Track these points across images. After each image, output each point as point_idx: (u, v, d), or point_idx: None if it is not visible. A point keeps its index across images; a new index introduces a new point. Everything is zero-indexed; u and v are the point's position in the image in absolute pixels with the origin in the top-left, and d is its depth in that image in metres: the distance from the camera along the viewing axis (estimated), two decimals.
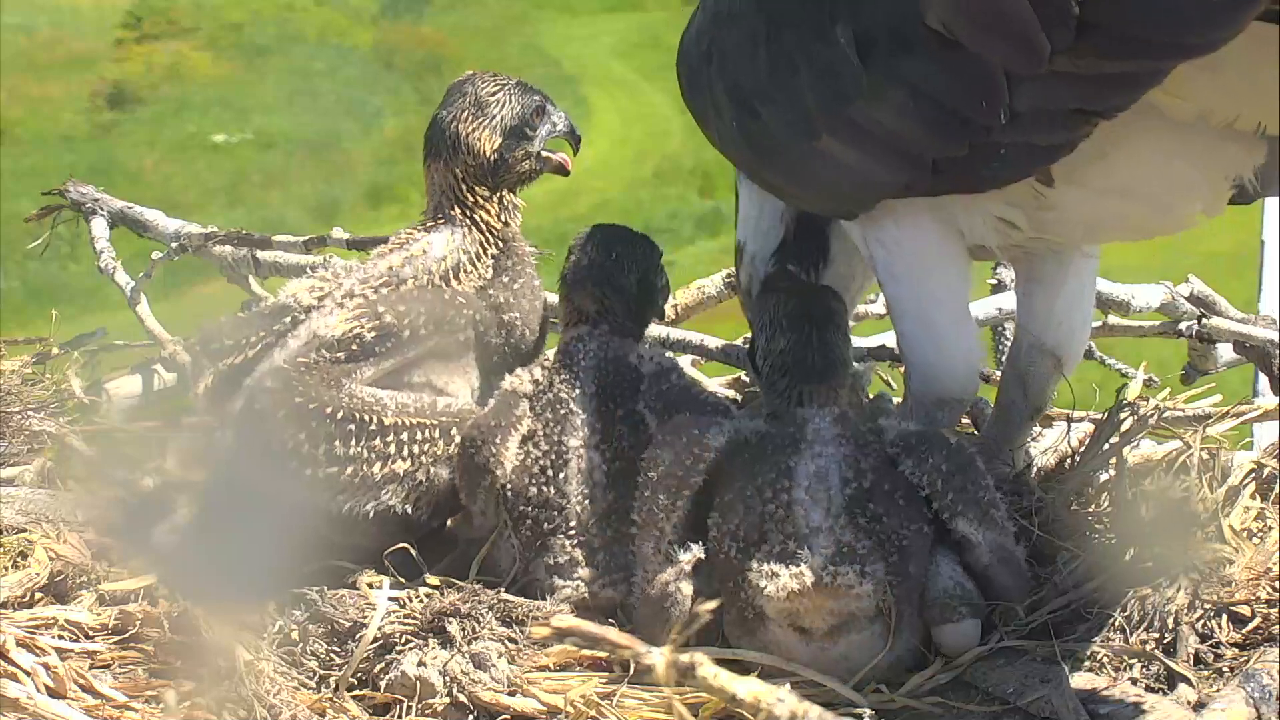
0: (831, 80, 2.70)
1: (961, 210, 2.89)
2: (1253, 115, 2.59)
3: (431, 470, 2.93)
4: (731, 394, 3.70)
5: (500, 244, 3.15)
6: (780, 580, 2.53)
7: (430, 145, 3.17)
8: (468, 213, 3.13)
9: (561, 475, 2.86)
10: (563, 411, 2.90)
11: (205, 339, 3.03)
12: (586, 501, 2.85)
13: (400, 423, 2.90)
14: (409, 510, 2.92)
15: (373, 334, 2.93)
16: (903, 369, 3.10)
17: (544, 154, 3.19)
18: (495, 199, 3.15)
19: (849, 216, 2.97)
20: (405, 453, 2.90)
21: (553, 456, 2.87)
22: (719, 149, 3.13)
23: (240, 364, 2.97)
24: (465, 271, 3.11)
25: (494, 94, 3.14)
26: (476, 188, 3.13)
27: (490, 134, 3.12)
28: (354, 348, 2.92)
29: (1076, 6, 2.40)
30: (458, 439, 2.94)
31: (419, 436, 2.91)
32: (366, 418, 2.87)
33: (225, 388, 2.96)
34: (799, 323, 2.83)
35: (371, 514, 2.89)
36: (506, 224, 3.16)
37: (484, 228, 3.13)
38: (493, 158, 3.12)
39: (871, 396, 3.66)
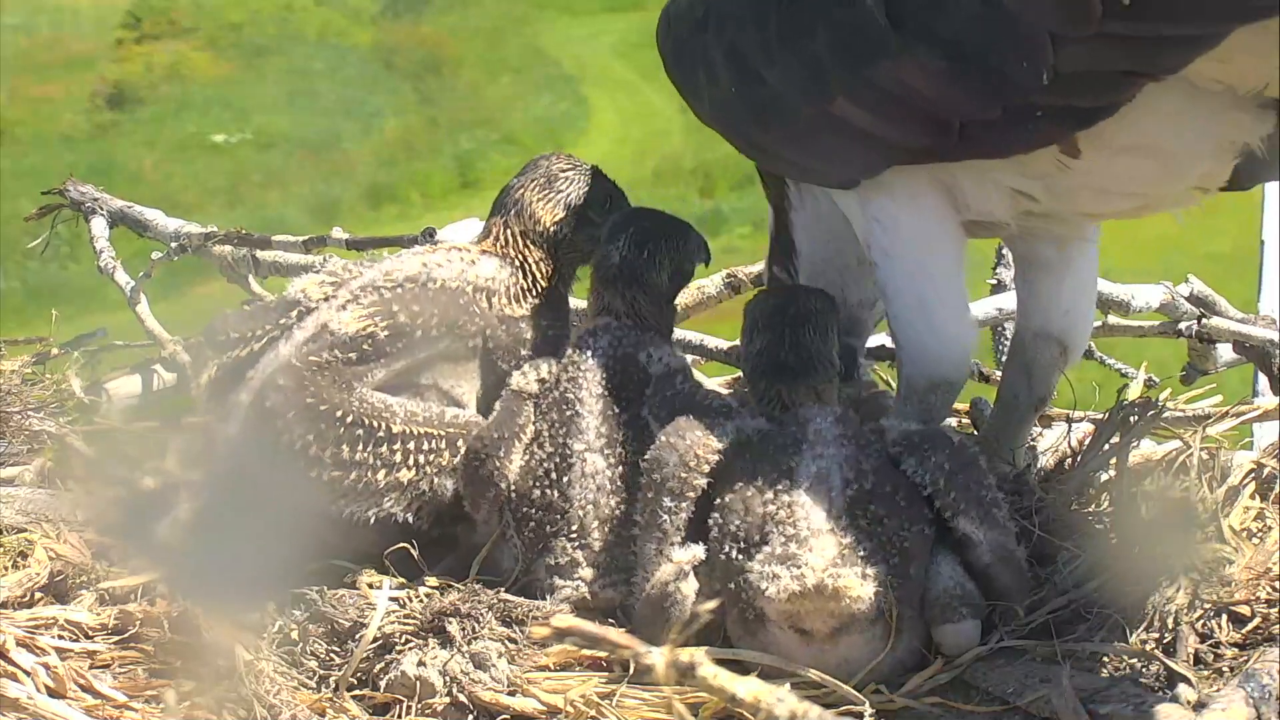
0: (853, 41, 2.65)
1: (971, 181, 2.86)
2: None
3: (435, 480, 2.93)
4: (729, 394, 3.70)
5: (543, 297, 3.16)
6: (781, 582, 2.52)
7: (495, 205, 3.22)
8: (521, 261, 3.16)
9: (565, 479, 2.85)
10: (568, 413, 2.89)
11: (210, 331, 3.03)
12: (590, 506, 2.85)
13: (408, 431, 2.89)
14: (410, 519, 2.91)
15: (386, 333, 2.93)
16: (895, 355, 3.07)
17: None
18: (551, 264, 3.17)
19: (849, 185, 2.92)
20: (410, 461, 2.89)
21: (557, 460, 2.87)
22: (708, 120, 3.07)
23: (245, 357, 2.97)
24: (499, 299, 3.11)
25: (564, 172, 3.21)
26: (533, 249, 3.16)
27: (553, 207, 3.17)
28: (366, 347, 2.91)
29: None
30: (463, 450, 2.94)
31: (425, 446, 2.91)
32: (375, 424, 2.87)
33: (228, 380, 2.96)
34: (773, 323, 2.84)
35: (372, 520, 2.89)
36: (558, 289, 3.18)
37: (532, 279, 3.15)
38: (552, 229, 3.17)
39: (872, 391, 3.65)
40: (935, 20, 2.57)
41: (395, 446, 2.88)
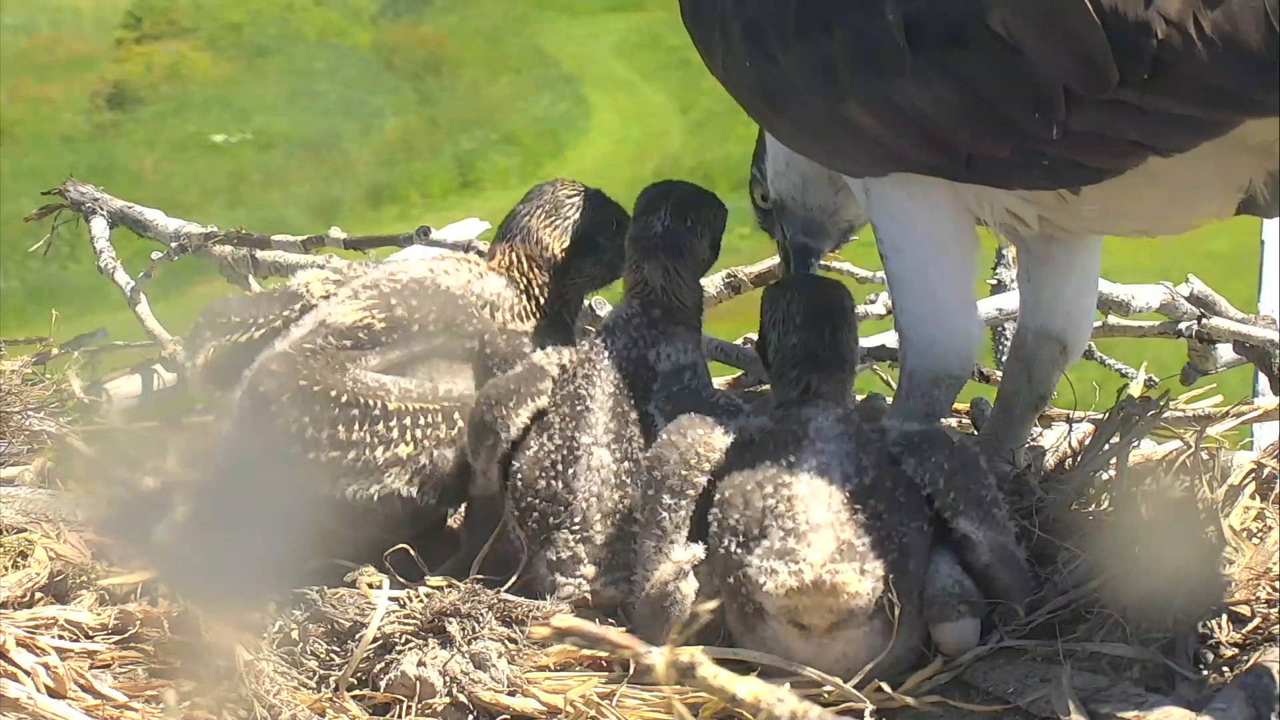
0: (870, 52, 2.65)
1: (971, 196, 2.86)
2: None
3: (435, 453, 2.93)
4: (732, 394, 3.70)
5: (547, 320, 3.17)
6: (779, 577, 2.52)
7: (501, 231, 3.24)
8: (526, 284, 3.17)
9: (571, 471, 2.86)
10: (579, 408, 2.90)
11: (210, 312, 3.04)
12: (594, 499, 2.85)
13: (403, 408, 2.90)
14: (414, 493, 2.92)
15: (382, 324, 2.95)
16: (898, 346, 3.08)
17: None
18: (557, 289, 3.19)
19: (855, 175, 2.94)
20: (408, 437, 2.90)
21: (564, 451, 2.87)
22: (721, 80, 3.05)
23: (244, 343, 2.97)
24: (502, 314, 3.13)
25: (570, 198, 3.22)
26: (539, 273, 3.18)
27: (560, 234, 3.19)
28: (361, 335, 2.93)
29: (1155, 44, 2.37)
30: (460, 423, 2.95)
31: (422, 421, 2.92)
32: (370, 402, 2.88)
33: (225, 368, 2.97)
34: (811, 321, 2.85)
35: (375, 498, 2.89)
36: (562, 315, 3.20)
37: (537, 303, 3.17)
38: (560, 256, 3.18)
39: (865, 396, 3.66)
40: (953, 53, 2.56)
41: (392, 423, 2.89)
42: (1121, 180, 2.65)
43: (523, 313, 3.15)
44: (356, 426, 2.86)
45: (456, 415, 2.95)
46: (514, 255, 3.18)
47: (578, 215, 3.21)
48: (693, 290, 3.06)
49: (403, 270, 3.08)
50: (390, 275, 3.06)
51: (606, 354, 2.96)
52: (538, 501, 2.86)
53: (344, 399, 2.86)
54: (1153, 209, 2.86)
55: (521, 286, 3.16)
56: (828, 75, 2.72)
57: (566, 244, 3.19)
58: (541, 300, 3.17)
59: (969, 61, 2.55)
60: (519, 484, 2.88)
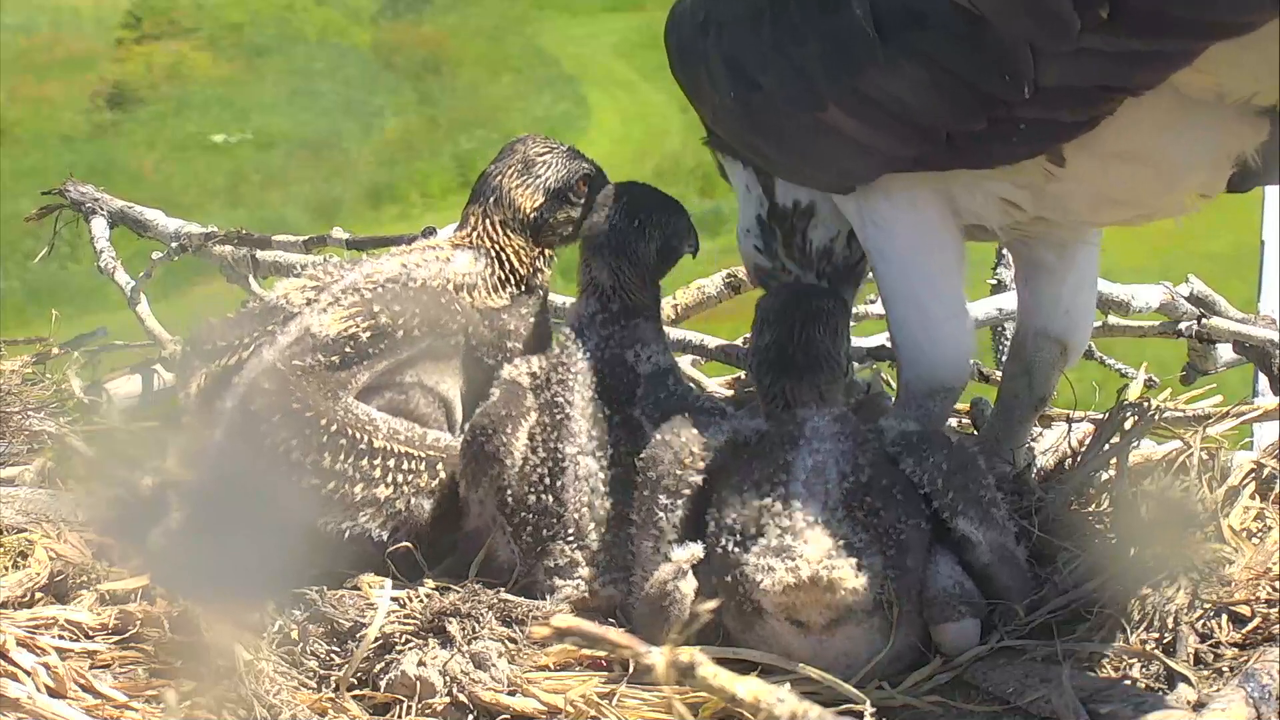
0: (842, 50, 2.69)
1: (963, 190, 2.88)
2: (1270, 94, 2.57)
3: (412, 501, 2.91)
4: (729, 394, 3.70)
5: (522, 286, 3.16)
6: (776, 574, 2.53)
7: (473, 193, 3.21)
8: (498, 250, 3.15)
9: (559, 483, 2.85)
10: (559, 416, 2.89)
11: (196, 340, 3.02)
12: (585, 509, 2.85)
13: (389, 448, 2.88)
14: (384, 537, 2.89)
15: (368, 334, 2.92)
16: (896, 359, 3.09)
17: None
18: (531, 251, 3.17)
19: (845, 190, 2.95)
20: (389, 479, 2.88)
21: (550, 464, 2.86)
22: (709, 123, 3.10)
23: (234, 365, 2.96)
24: (479, 293, 3.11)
25: (542, 155, 3.18)
26: (512, 236, 3.16)
27: (532, 193, 3.15)
28: (348, 349, 2.90)
29: None
30: (443, 474, 2.93)
31: (405, 466, 2.90)
32: (358, 435, 2.86)
33: (217, 389, 2.95)
34: (783, 319, 2.81)
35: (346, 535, 2.88)
36: (535, 272, 3.18)
37: (509, 268, 3.15)
38: (532, 215, 3.15)
39: (865, 394, 3.65)
40: (920, 33, 2.60)
41: (375, 461, 2.87)
42: (1108, 154, 2.67)
43: (497, 284, 3.13)
44: (342, 457, 2.84)
45: (439, 466, 2.93)
46: (487, 222, 3.15)
47: (550, 172, 3.17)
48: (643, 290, 3.02)
49: (377, 270, 3.06)
50: (367, 277, 3.03)
51: (580, 355, 2.94)
52: (530, 516, 2.85)
53: (334, 428, 2.84)
54: (1142, 187, 2.85)
55: (492, 254, 3.14)
56: (805, 86, 2.76)
57: (540, 202, 3.16)
58: (515, 265, 3.15)
59: (935, 37, 2.59)
60: (510, 501, 2.87)
